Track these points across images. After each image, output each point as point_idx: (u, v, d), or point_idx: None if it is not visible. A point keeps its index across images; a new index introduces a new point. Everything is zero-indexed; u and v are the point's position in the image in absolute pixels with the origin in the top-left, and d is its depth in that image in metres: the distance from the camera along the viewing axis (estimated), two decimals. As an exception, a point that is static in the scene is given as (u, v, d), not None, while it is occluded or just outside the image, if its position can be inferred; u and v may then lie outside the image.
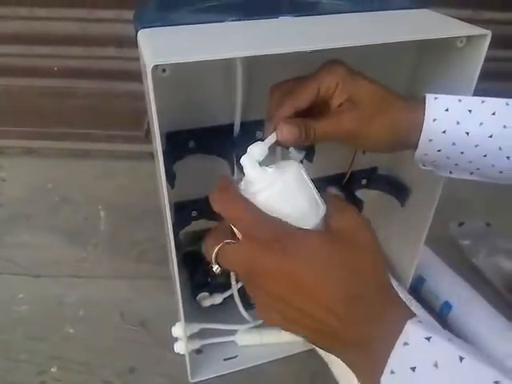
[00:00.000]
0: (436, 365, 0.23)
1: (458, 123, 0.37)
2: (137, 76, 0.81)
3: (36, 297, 0.67)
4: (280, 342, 0.60)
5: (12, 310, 0.65)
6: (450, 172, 0.41)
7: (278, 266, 0.26)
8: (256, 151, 0.33)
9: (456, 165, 0.39)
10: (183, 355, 0.56)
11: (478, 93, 0.45)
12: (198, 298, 0.61)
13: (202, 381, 0.56)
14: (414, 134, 0.38)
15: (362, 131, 0.37)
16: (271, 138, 0.36)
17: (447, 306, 0.62)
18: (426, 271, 0.66)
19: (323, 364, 0.57)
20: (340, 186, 0.57)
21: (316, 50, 0.36)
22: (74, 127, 0.94)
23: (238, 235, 0.30)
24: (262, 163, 0.33)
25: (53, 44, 0.86)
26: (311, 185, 0.32)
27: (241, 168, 0.46)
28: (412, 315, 0.26)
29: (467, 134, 0.37)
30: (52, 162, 0.94)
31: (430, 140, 0.37)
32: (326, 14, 0.46)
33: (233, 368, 0.57)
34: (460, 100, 0.37)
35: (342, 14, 0.46)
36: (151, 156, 0.92)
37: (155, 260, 0.73)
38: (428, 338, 0.24)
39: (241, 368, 0.58)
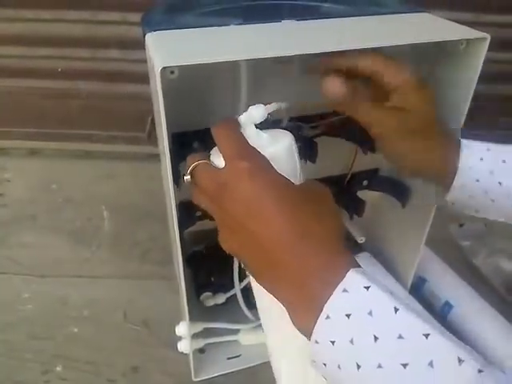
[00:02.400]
0: (371, 313, 0.24)
1: (491, 173, 0.38)
2: (139, 78, 0.83)
3: (40, 296, 0.67)
4: (282, 341, 0.60)
5: (17, 310, 0.65)
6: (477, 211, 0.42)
7: (250, 193, 0.28)
8: (255, 113, 0.34)
9: (486, 208, 0.40)
10: (186, 354, 0.57)
11: (476, 94, 0.46)
12: (201, 297, 0.62)
13: (205, 379, 0.57)
14: (445, 173, 0.39)
15: (397, 146, 0.39)
16: (273, 106, 0.37)
17: (448, 306, 0.63)
18: (427, 272, 0.67)
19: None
20: (342, 187, 0.58)
21: (319, 53, 0.37)
22: (77, 128, 0.95)
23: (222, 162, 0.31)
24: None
25: (57, 46, 0.87)
26: (297, 159, 0.35)
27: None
28: (357, 266, 0.26)
29: (500, 184, 0.38)
30: (55, 162, 0.94)
31: (463, 185, 0.38)
32: (328, 18, 0.47)
33: (236, 367, 0.58)
34: (488, 149, 0.38)
35: (344, 18, 0.47)
36: (153, 157, 0.93)
37: (158, 260, 0.74)
38: (367, 287, 0.24)
39: (244, 367, 0.58)
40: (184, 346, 0.56)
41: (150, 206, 0.83)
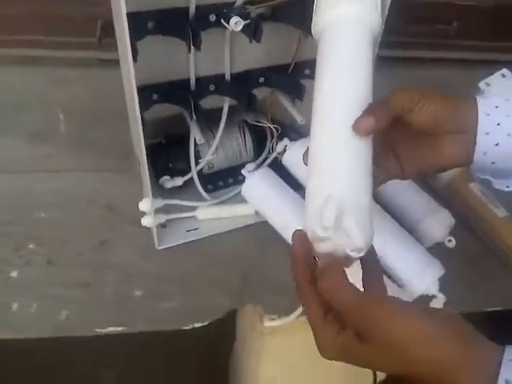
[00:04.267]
0: None
1: (508, 116, 0.38)
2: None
3: (4, 190, 0.70)
4: (235, 215, 0.68)
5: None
6: (508, 187, 0.42)
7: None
8: None
9: None
10: (149, 228, 0.64)
11: None
12: (160, 180, 0.68)
13: (168, 248, 0.64)
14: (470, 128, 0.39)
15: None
16: None
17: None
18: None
19: (272, 232, 0.66)
20: (286, 74, 0.63)
21: None
22: (22, 34, 0.93)
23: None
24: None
25: None
26: None
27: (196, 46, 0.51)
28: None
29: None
30: (2, 69, 0.93)
31: (487, 133, 0.38)
32: None
33: (194, 237, 0.66)
34: (507, 99, 0.39)
35: None
36: (104, 63, 0.94)
37: (116, 156, 0.77)
38: None
39: (201, 237, 0.66)
40: (147, 221, 0.62)
41: (105, 109, 0.85)
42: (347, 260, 0.35)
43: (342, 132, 0.37)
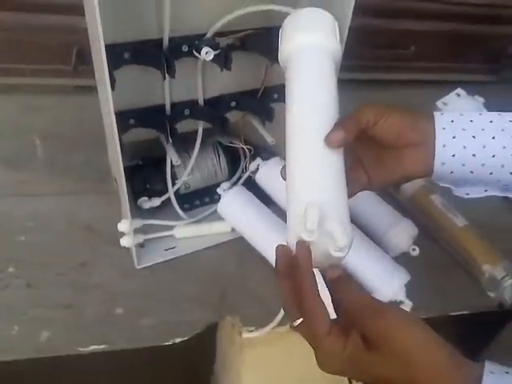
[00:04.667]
0: None
1: (463, 130, 0.41)
2: (63, 9, 0.85)
3: (-17, 214, 0.71)
4: (212, 232, 0.71)
5: (-39, 227, 0.69)
6: (467, 194, 0.45)
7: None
8: None
9: (471, 172, 0.42)
10: (128, 249, 0.66)
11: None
12: (138, 202, 0.70)
13: (147, 267, 0.67)
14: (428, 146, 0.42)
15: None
16: None
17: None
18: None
19: (248, 247, 0.69)
20: (256, 98, 0.67)
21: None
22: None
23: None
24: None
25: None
26: None
27: (170, 74, 0.54)
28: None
29: (473, 137, 0.41)
30: (-22, 97, 0.94)
31: (444, 145, 0.41)
32: None
33: (173, 255, 0.68)
34: (461, 114, 0.42)
35: None
36: (80, 89, 0.97)
37: (93, 179, 0.79)
38: None
39: (179, 255, 0.68)
40: (126, 241, 0.65)
41: (81, 134, 0.87)
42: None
43: (315, 146, 0.40)
